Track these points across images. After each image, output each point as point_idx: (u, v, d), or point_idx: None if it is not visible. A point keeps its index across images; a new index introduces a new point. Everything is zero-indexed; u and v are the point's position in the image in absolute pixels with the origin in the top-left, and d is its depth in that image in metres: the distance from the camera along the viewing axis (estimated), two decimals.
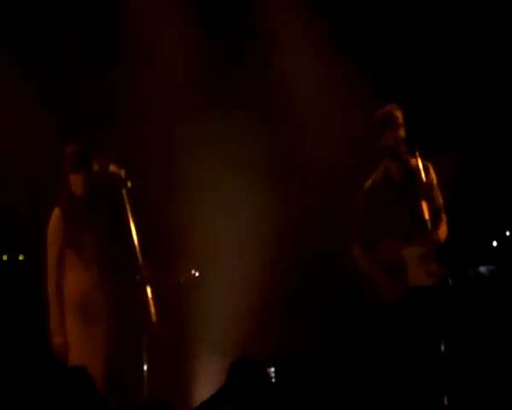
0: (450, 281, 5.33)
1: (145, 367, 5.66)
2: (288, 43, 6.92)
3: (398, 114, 5.53)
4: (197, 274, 6.74)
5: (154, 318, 5.26)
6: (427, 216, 5.38)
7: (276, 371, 3.53)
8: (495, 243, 7.26)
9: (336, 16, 6.94)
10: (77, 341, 5.30)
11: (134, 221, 5.38)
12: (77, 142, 5.51)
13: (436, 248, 5.35)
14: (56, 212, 5.41)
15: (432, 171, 5.55)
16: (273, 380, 3.92)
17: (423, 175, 5.43)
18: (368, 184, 5.60)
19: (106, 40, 6.88)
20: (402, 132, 5.49)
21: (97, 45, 6.85)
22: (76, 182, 5.38)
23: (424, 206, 5.40)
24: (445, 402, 5.28)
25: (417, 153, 5.46)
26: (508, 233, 7.24)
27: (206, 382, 5.97)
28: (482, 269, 7.03)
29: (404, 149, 5.48)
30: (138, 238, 5.33)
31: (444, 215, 5.56)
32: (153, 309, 5.27)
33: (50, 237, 5.40)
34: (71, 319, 5.34)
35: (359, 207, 5.58)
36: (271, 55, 6.94)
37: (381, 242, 5.46)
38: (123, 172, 5.46)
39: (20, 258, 7.06)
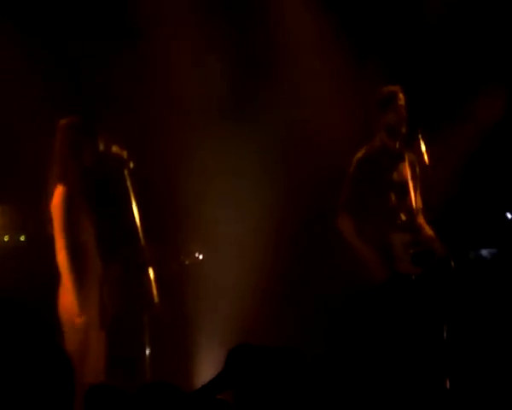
0: (453, 263, 5.33)
1: (147, 350, 5.65)
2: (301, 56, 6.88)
3: (402, 96, 5.53)
4: (201, 257, 6.73)
5: (156, 299, 5.26)
6: (418, 204, 5.38)
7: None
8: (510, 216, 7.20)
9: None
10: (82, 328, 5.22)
11: (136, 203, 5.36)
12: (75, 114, 5.43)
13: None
14: (63, 189, 5.24)
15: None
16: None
17: (426, 158, 5.43)
18: (361, 153, 5.55)
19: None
20: (404, 113, 5.49)
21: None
22: (87, 151, 5.28)
23: (415, 191, 5.41)
24: (447, 385, 5.30)
25: (420, 136, 5.46)
26: (509, 215, 7.23)
27: (208, 364, 5.97)
28: (484, 252, 7.02)
29: (405, 130, 5.48)
30: (141, 220, 5.31)
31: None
32: (155, 291, 5.26)
33: (62, 216, 5.24)
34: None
35: (351, 175, 5.52)
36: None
37: (368, 219, 5.43)
38: (125, 153, 5.42)
39: (22, 239, 7.04)
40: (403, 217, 5.45)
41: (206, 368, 5.93)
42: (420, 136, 5.46)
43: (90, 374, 5.00)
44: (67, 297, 5.18)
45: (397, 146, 5.52)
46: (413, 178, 5.50)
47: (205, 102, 6.75)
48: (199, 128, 6.71)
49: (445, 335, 5.39)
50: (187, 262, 6.64)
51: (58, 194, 5.21)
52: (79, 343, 5.09)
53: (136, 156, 5.42)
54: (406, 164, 5.52)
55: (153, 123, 6.66)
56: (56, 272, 5.26)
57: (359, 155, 5.56)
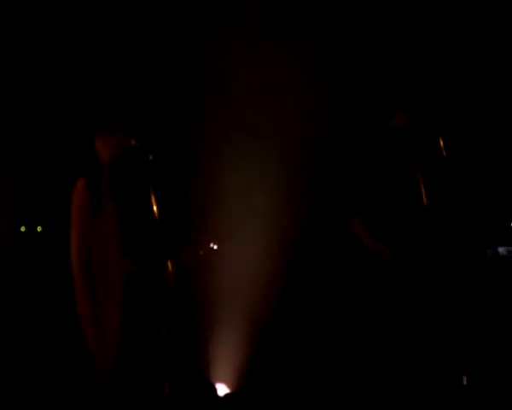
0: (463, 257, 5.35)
1: (164, 342, 5.65)
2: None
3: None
4: (215, 247, 6.75)
5: (173, 291, 5.26)
6: (430, 203, 5.40)
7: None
8: None
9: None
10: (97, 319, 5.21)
11: (155, 195, 5.35)
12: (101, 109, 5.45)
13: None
14: (80, 183, 5.23)
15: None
16: None
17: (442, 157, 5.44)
18: (369, 155, 5.60)
19: None
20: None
21: None
22: (108, 145, 5.28)
23: (427, 191, 5.42)
24: (464, 382, 5.29)
25: (440, 139, 5.46)
26: None
27: (225, 355, 5.98)
28: (501, 250, 7.01)
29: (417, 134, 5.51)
30: (159, 212, 5.30)
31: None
32: (173, 282, 5.26)
33: (74, 212, 5.23)
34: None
35: (361, 177, 5.57)
36: None
37: (381, 220, 5.46)
38: (143, 146, 5.42)
39: (38, 229, 7.05)
40: (415, 217, 5.46)
41: (223, 359, 5.94)
42: (440, 139, 5.46)
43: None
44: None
45: (406, 147, 5.53)
46: (424, 178, 5.51)
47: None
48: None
49: (462, 332, 5.39)
50: (201, 253, 6.65)
51: (76, 188, 5.22)
52: (96, 338, 5.11)
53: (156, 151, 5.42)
54: (416, 165, 5.53)
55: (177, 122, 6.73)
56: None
57: (367, 157, 5.60)
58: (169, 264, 5.29)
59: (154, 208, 5.30)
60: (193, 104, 6.81)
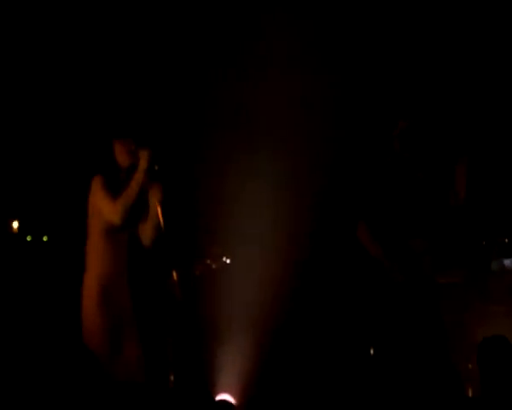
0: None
1: (170, 350, 5.67)
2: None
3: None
4: (228, 261, 6.78)
5: (179, 300, 5.26)
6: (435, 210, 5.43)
7: None
8: None
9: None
10: (105, 329, 5.19)
11: (161, 206, 5.36)
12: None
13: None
14: (101, 178, 5.22)
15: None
16: None
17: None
18: (375, 164, 5.63)
19: None
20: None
21: None
22: (121, 152, 5.30)
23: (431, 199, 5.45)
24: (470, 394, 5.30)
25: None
26: None
27: (231, 366, 5.99)
28: (506, 262, 7.01)
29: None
30: (167, 223, 5.31)
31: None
32: (178, 292, 5.26)
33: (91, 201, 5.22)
34: (98, 305, 5.22)
35: (367, 186, 5.59)
36: None
37: (386, 227, 5.48)
38: (149, 154, 5.42)
39: (44, 239, 7.08)
40: (420, 223, 5.48)
41: (230, 369, 5.95)
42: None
43: (124, 371, 5.02)
44: (89, 293, 5.20)
45: (410, 154, 5.56)
46: (427, 186, 5.53)
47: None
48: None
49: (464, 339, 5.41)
50: (214, 266, 6.69)
51: (92, 183, 5.22)
52: (104, 342, 5.09)
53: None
54: (420, 171, 5.55)
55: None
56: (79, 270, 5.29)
57: (372, 164, 5.62)
58: (174, 273, 5.29)
59: (161, 219, 5.31)
60: (206, 120, 6.89)
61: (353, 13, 7.00)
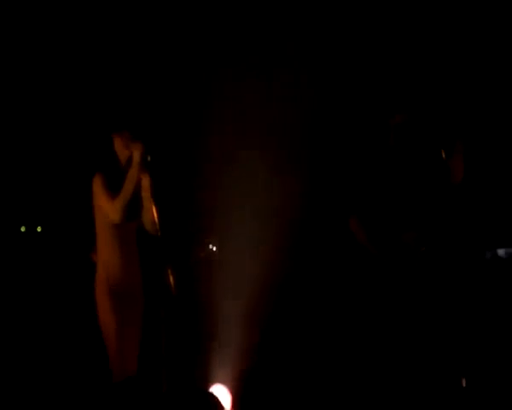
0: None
1: (163, 344, 5.68)
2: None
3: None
4: (215, 249, 6.76)
5: (173, 293, 5.27)
6: (425, 202, 5.43)
7: None
8: None
9: None
10: (119, 326, 5.28)
11: (153, 197, 5.37)
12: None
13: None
14: (101, 177, 5.31)
15: None
16: None
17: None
18: (369, 156, 5.63)
19: None
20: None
21: None
22: (126, 145, 5.34)
23: (421, 191, 5.45)
24: (464, 384, 5.31)
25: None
26: None
27: (225, 358, 5.99)
28: (500, 252, 7.02)
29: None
30: (159, 215, 5.32)
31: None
32: (172, 284, 5.27)
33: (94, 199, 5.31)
34: (111, 303, 5.30)
35: (360, 179, 5.60)
36: None
37: (379, 220, 5.49)
38: (142, 147, 5.43)
39: (38, 230, 7.06)
40: (413, 216, 5.48)
41: (223, 361, 5.96)
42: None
43: (127, 368, 5.10)
44: (101, 285, 5.25)
45: (404, 147, 5.55)
46: (417, 178, 5.53)
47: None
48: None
49: (461, 333, 5.41)
50: (202, 254, 6.68)
51: (93, 183, 5.31)
52: (115, 338, 5.15)
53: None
54: (414, 165, 5.55)
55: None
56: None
57: (364, 157, 5.62)
58: (169, 267, 5.30)
59: (154, 211, 5.32)
60: (200, 115, 6.89)
61: (349, 6, 7.00)
